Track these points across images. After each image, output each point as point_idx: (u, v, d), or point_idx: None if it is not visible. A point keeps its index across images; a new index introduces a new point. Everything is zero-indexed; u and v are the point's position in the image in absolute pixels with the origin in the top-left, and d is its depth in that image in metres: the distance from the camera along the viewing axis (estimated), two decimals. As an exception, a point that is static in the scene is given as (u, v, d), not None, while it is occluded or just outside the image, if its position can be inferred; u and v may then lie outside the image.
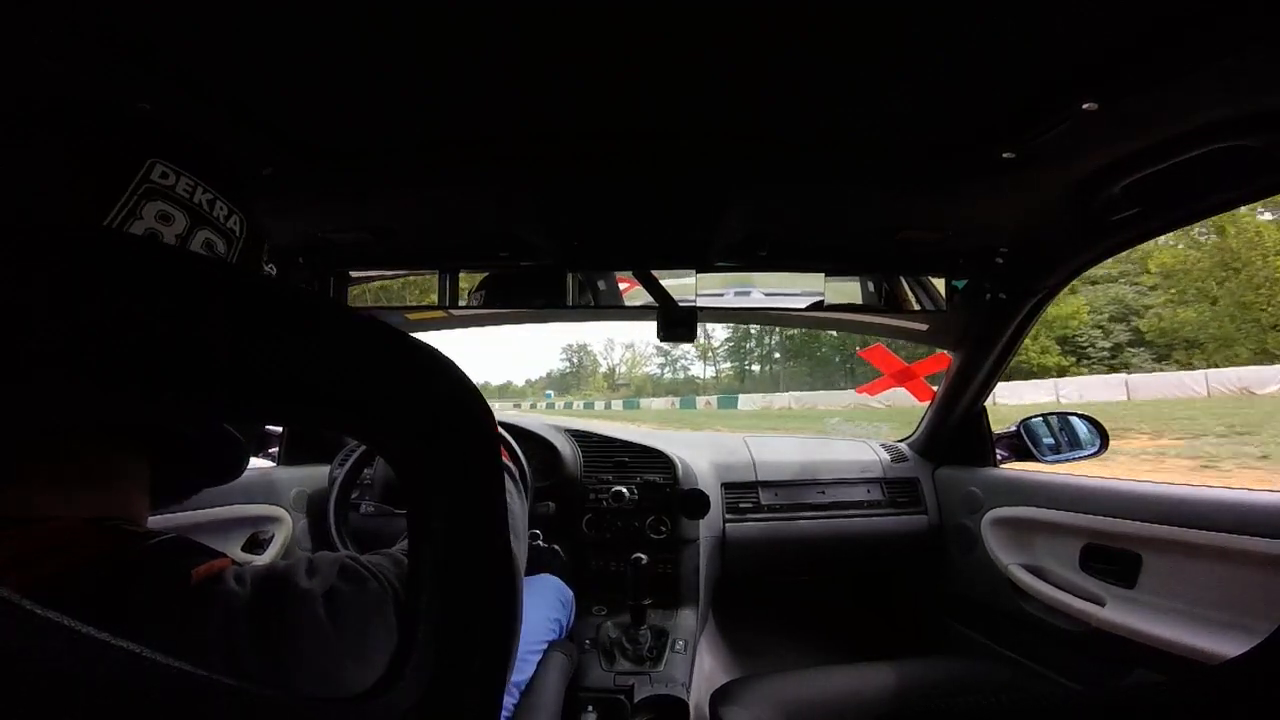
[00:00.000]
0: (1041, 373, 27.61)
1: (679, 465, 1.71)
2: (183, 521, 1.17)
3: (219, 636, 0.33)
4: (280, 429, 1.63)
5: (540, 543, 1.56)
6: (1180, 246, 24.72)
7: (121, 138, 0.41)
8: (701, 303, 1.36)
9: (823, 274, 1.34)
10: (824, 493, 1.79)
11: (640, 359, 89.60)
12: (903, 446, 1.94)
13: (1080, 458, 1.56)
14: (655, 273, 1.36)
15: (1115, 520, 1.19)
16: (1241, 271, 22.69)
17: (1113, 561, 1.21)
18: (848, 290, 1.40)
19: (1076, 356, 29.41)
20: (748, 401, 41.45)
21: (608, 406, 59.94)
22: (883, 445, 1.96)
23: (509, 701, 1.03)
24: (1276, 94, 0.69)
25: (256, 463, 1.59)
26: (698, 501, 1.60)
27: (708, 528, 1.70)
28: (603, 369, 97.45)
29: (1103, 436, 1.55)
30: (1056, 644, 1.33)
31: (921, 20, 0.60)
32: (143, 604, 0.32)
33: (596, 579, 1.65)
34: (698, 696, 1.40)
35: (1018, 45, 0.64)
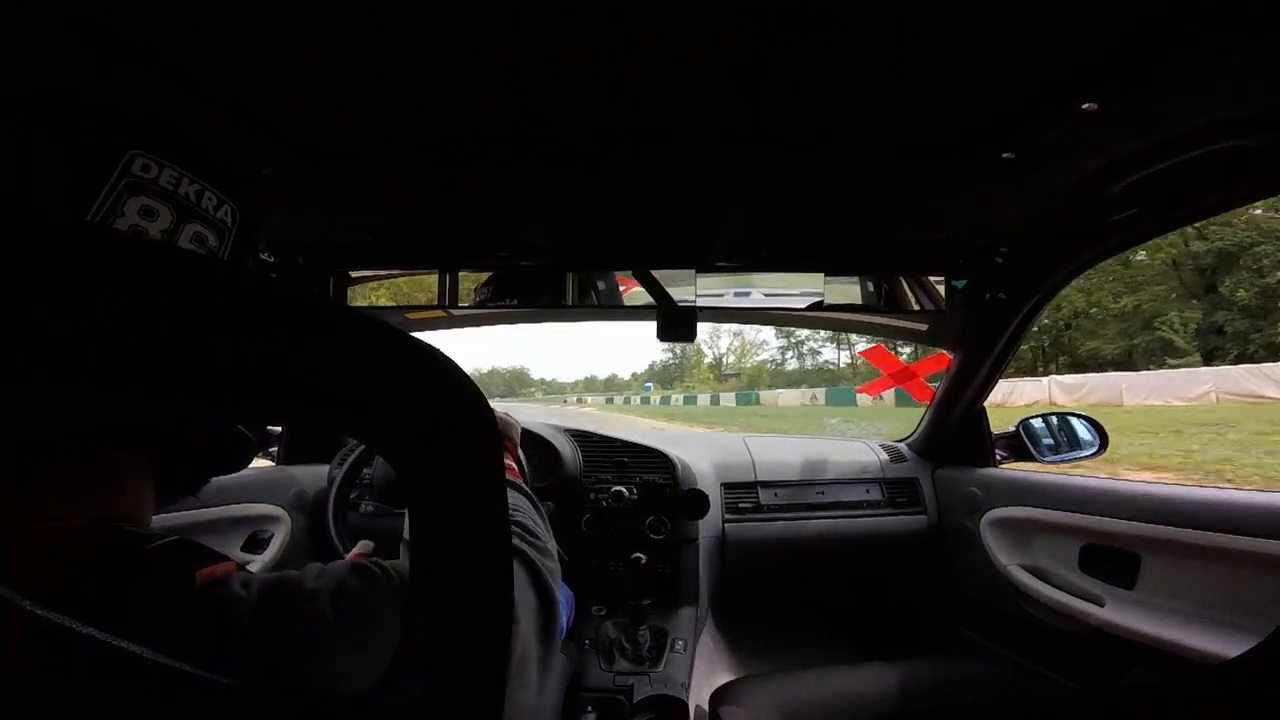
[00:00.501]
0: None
1: (678, 465, 1.71)
2: (182, 521, 1.16)
3: (222, 640, 0.33)
4: (280, 428, 1.63)
5: None
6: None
7: (97, 131, 0.40)
8: (701, 303, 1.37)
9: (822, 274, 1.35)
10: (823, 493, 1.79)
11: (750, 347, 79.34)
12: (902, 447, 1.94)
13: (1079, 458, 1.56)
14: (655, 273, 1.37)
15: (1114, 520, 1.19)
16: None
17: (1112, 561, 1.22)
18: (848, 290, 1.40)
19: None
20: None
21: (714, 401, 44.61)
22: (882, 445, 1.96)
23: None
24: (1276, 94, 0.69)
25: (256, 462, 1.58)
26: (697, 501, 1.59)
27: (707, 528, 1.70)
28: (708, 359, 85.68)
29: (1102, 437, 1.55)
30: (1056, 644, 1.32)
31: (921, 20, 0.60)
32: (144, 606, 0.32)
33: (596, 579, 1.65)
34: (697, 696, 1.39)
35: (1017, 45, 0.64)
